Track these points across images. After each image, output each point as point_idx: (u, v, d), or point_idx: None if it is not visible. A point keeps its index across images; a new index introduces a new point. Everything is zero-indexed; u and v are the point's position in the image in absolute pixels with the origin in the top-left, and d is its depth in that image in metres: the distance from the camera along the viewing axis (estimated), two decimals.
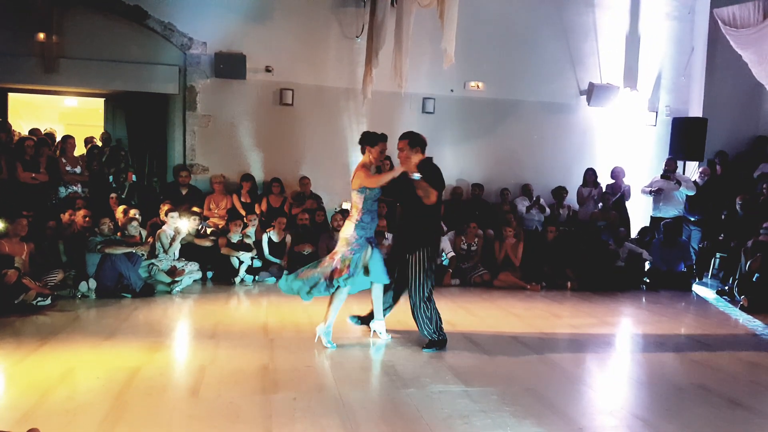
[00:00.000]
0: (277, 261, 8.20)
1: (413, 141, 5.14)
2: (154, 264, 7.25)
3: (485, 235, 8.87)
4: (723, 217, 9.44)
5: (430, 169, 5.05)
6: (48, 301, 6.14)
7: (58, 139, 9.56)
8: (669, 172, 9.52)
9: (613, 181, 10.04)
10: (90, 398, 3.79)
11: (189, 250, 7.73)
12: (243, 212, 8.82)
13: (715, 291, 8.47)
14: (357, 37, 9.58)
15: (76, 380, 4.12)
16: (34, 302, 6.02)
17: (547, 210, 9.86)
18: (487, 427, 3.51)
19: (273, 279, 8.03)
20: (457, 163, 10.19)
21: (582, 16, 10.43)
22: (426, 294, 5.04)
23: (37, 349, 4.73)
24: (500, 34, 10.08)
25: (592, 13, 10.45)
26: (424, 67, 9.35)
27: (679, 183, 9.39)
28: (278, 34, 9.40)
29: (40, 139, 8.74)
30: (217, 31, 9.16)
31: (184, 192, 8.85)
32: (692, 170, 10.54)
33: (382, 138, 5.19)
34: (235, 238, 8.10)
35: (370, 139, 5.19)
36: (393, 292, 5.37)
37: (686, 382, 4.55)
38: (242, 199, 9.08)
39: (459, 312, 6.60)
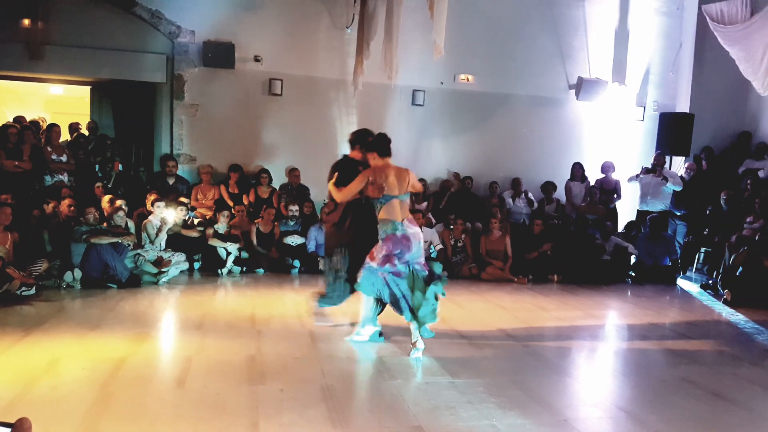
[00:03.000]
0: (265, 252, 8.18)
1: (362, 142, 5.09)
2: (141, 254, 7.21)
3: (473, 228, 8.90)
4: (708, 212, 9.54)
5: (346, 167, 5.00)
6: (32, 291, 6.08)
7: (44, 127, 9.44)
8: (657, 167, 9.59)
9: (603, 175, 10.10)
10: (75, 388, 3.77)
11: (176, 241, 7.68)
12: (231, 203, 8.78)
13: (699, 285, 8.56)
14: (347, 27, 9.53)
15: (62, 370, 4.10)
16: (18, 292, 5.96)
17: (535, 203, 9.92)
18: (473, 418, 3.53)
19: (261, 271, 8.02)
20: (446, 155, 10.21)
21: (572, 10, 10.46)
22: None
23: (22, 339, 4.69)
24: (491, 26, 10.08)
25: (582, 7, 10.48)
26: (414, 58, 9.32)
27: (665, 179, 9.46)
28: (268, 23, 9.33)
29: (24, 127, 8.62)
30: (206, 20, 9.08)
31: (171, 182, 8.79)
32: (679, 165, 10.63)
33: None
34: (222, 228, 8.06)
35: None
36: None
37: (670, 375, 4.61)
38: (230, 190, 9.03)
39: (446, 304, 6.54)
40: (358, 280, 4.76)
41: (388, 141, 4.90)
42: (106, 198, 7.88)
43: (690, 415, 3.77)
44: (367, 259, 4.72)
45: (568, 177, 10.11)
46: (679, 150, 10.28)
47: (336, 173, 5.00)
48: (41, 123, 10.14)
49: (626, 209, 10.23)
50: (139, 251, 7.22)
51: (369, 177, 4.72)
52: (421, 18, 8.21)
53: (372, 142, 4.94)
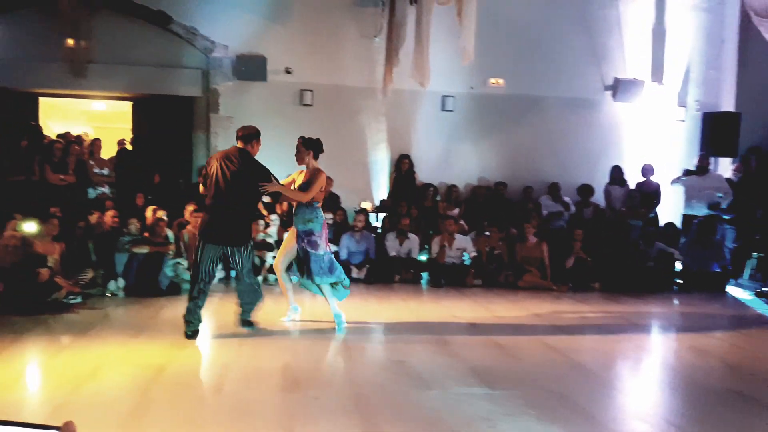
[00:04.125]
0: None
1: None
2: (180, 263, 7.34)
3: (508, 235, 8.76)
4: (759, 215, 9.15)
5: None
6: (79, 299, 6.26)
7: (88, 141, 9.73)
8: (702, 169, 9.29)
9: (644, 179, 9.83)
10: (118, 393, 3.85)
11: None
12: (264, 212, 8.86)
13: (753, 293, 8.11)
14: (375, 36, 9.56)
15: (106, 376, 4.20)
16: (66, 300, 6.15)
17: (572, 208, 9.71)
18: (511, 431, 3.45)
19: (295, 278, 8.06)
20: (478, 160, 10.13)
21: (606, 10, 10.26)
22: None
23: (69, 346, 4.84)
24: (521, 29, 9.96)
25: (617, 6, 10.28)
26: (443, 64, 9.27)
27: (720, 195, 9.09)
28: (298, 35, 9.46)
29: (69, 142, 8.92)
30: (239, 34, 9.26)
31: None
32: (725, 166, 10.27)
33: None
34: (257, 237, 8.15)
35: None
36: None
37: (721, 387, 4.41)
38: (263, 199, 9.11)
39: (482, 313, 6.54)
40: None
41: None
42: (150, 209, 8.05)
43: (742, 430, 3.61)
44: (311, 250, 5.35)
45: (606, 181, 9.88)
46: (725, 151, 9.90)
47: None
48: (84, 138, 10.46)
49: (670, 213, 9.93)
50: (178, 260, 7.35)
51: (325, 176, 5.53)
52: (449, 23, 8.21)
53: (320, 147, 5.78)
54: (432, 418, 3.61)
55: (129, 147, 9.96)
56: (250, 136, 5.37)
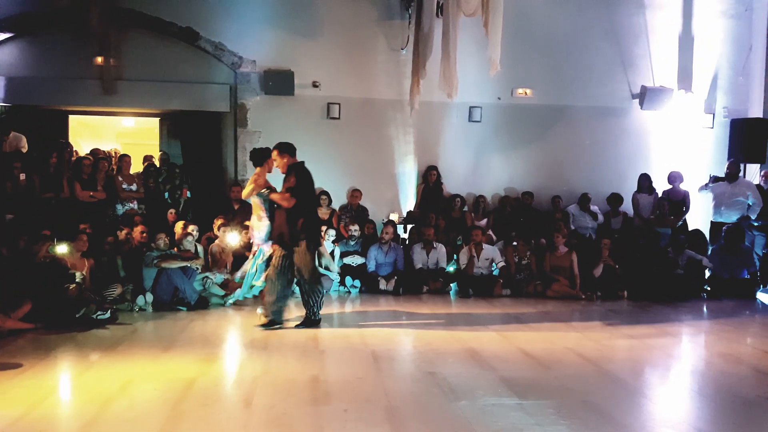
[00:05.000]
0: (327, 273, 8.25)
1: (280, 148, 6.12)
2: (208, 277, 7.40)
3: (536, 245, 8.68)
4: None
5: (300, 173, 6.00)
6: (108, 315, 6.31)
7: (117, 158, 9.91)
8: (732, 176, 9.13)
9: (671, 186, 9.70)
10: (148, 408, 3.88)
11: (242, 262, 7.85)
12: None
13: None
14: (402, 48, 9.62)
15: (135, 391, 4.23)
16: (95, 316, 6.22)
17: (600, 217, 9.61)
18: None
19: (323, 291, 8.08)
20: (505, 171, 10.08)
21: (632, 18, 10.19)
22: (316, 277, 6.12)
23: (98, 361, 4.89)
24: (548, 39, 9.94)
25: (643, 14, 10.19)
26: (470, 75, 9.28)
27: (750, 203, 8.95)
28: (325, 49, 9.54)
29: (97, 158, 9.08)
30: (266, 49, 9.37)
31: (236, 207, 9.02)
32: (753, 173, 10.09)
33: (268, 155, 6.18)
34: None
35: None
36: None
37: (753, 395, 4.32)
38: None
39: (511, 323, 6.49)
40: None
41: None
42: (180, 224, 8.15)
43: None
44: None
45: (635, 189, 9.76)
46: (754, 157, 9.78)
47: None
48: (113, 154, 10.66)
49: (698, 220, 9.76)
50: (207, 274, 7.42)
51: None
52: (476, 34, 8.21)
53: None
54: (463, 428, 3.57)
55: (157, 163, 10.13)
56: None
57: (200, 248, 7.85)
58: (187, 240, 7.48)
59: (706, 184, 9.47)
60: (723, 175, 9.35)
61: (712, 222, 9.38)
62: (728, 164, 9.38)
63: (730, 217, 9.12)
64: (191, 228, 7.78)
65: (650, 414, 4.01)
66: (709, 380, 4.82)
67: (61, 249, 6.55)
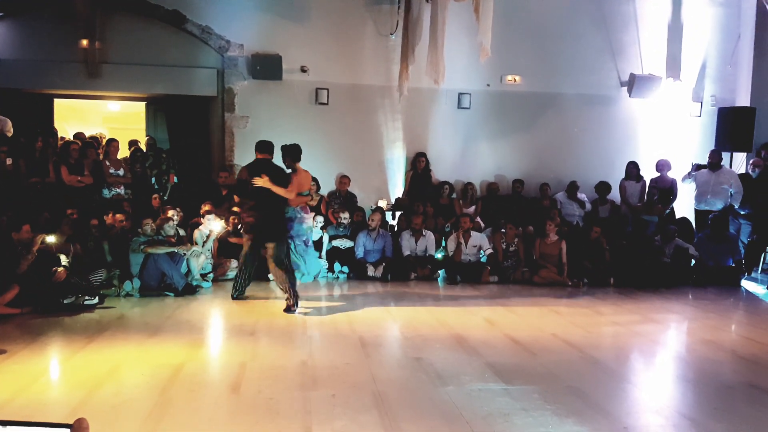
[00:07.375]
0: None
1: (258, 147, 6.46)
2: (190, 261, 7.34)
3: (525, 232, 8.73)
4: None
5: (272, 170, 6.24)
6: (95, 300, 6.30)
7: (104, 142, 9.81)
8: (714, 165, 9.21)
9: (659, 174, 9.76)
10: (135, 394, 3.88)
11: (228, 248, 7.85)
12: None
13: (766, 287, 8.15)
14: (391, 34, 9.56)
15: (123, 376, 4.23)
16: (82, 302, 6.19)
17: (588, 205, 9.66)
18: (529, 426, 3.45)
19: (311, 278, 8.08)
20: (494, 158, 10.10)
21: (622, 5, 10.18)
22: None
23: (85, 347, 4.87)
24: (537, 26, 9.92)
25: (633, 2, 10.19)
26: (459, 61, 9.26)
27: (729, 185, 9.04)
28: (313, 34, 9.46)
29: (85, 143, 8.98)
30: (254, 33, 9.27)
31: (224, 192, 8.97)
32: (740, 162, 10.17)
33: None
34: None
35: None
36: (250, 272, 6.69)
37: (736, 381, 4.40)
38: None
39: (498, 309, 6.53)
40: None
41: None
42: (171, 212, 8.05)
43: (758, 424, 3.59)
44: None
45: (623, 177, 9.82)
46: (741, 146, 9.84)
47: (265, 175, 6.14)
48: (100, 138, 10.54)
49: (681, 209, 9.84)
50: (190, 258, 7.33)
51: None
52: (466, 20, 8.18)
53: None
54: (449, 413, 3.61)
55: (143, 147, 10.04)
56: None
57: (182, 233, 7.80)
58: (168, 225, 7.40)
59: (689, 173, 9.53)
60: (705, 164, 9.42)
61: (696, 210, 9.47)
62: (710, 154, 9.43)
63: (715, 205, 9.22)
64: (171, 213, 7.70)
65: (634, 399, 4.07)
66: (692, 366, 4.89)
67: (50, 239, 6.50)
